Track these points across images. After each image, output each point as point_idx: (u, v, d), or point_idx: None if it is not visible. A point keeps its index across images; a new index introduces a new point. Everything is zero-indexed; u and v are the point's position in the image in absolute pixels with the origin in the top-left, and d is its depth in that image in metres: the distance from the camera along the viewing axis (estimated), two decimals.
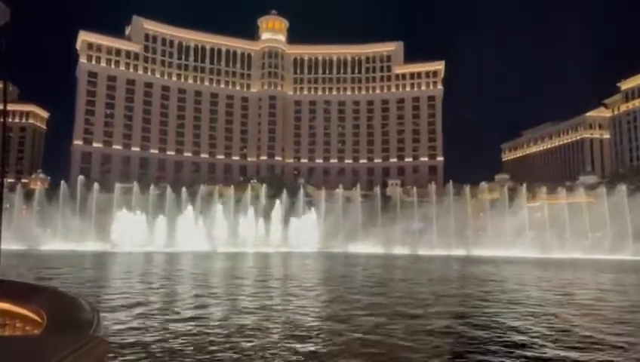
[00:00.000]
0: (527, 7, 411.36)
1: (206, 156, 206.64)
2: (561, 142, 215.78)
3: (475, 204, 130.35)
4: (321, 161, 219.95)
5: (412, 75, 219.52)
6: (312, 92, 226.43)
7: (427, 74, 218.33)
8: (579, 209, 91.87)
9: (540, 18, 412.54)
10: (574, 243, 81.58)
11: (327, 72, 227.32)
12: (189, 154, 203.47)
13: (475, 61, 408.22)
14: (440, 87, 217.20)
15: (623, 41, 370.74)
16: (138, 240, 75.95)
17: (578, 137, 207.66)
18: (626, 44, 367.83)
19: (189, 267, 40.20)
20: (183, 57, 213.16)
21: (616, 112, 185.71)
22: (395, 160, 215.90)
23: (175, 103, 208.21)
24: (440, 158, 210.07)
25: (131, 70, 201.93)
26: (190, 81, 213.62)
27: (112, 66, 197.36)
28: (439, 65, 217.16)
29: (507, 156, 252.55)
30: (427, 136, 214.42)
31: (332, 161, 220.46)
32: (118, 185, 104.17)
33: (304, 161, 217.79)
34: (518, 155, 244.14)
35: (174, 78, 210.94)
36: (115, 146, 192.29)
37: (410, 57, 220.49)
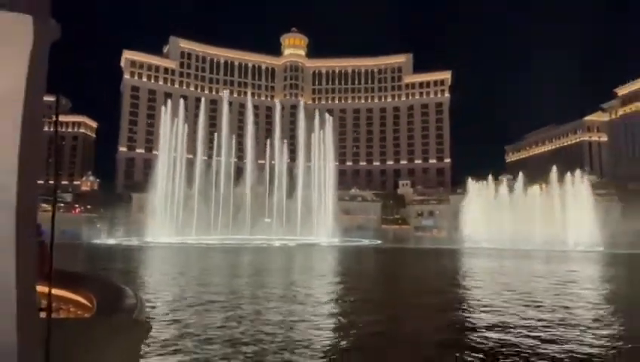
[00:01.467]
0: (526, 14, 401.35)
1: (235, 160, 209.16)
2: (562, 145, 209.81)
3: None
4: (337, 163, 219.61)
5: (421, 84, 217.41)
6: (330, 101, 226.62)
7: (435, 83, 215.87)
8: None
9: (539, 23, 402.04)
10: None
11: (342, 83, 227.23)
12: (220, 158, 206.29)
13: (479, 67, 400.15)
14: (447, 94, 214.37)
15: (620, 45, 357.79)
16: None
17: (577, 140, 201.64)
18: (623, 48, 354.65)
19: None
20: (215, 72, 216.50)
21: (613, 116, 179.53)
22: (405, 162, 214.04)
23: (207, 114, 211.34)
24: (447, 160, 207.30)
25: (169, 84, 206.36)
26: (221, 93, 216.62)
27: (152, 81, 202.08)
28: (446, 75, 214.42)
29: (511, 158, 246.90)
30: (435, 140, 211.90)
31: (347, 163, 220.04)
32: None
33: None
34: (521, 157, 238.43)
35: (207, 91, 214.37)
36: (155, 152, 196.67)
37: (419, 68, 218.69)
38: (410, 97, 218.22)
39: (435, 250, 62.37)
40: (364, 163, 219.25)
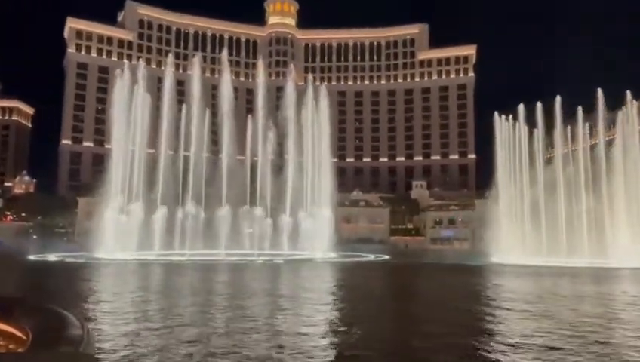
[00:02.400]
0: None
1: (207, 155, 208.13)
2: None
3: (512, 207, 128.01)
4: (335, 159, 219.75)
5: (439, 62, 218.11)
6: (325, 82, 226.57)
7: (457, 59, 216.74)
8: None
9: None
10: None
11: (342, 59, 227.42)
12: (188, 154, 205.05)
13: (511, 41, 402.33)
14: (471, 74, 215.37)
15: None
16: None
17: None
18: None
19: None
20: (182, 45, 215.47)
21: None
22: (420, 158, 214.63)
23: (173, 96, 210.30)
24: (472, 156, 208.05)
25: (125, 60, 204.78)
26: (189, 71, 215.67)
27: (104, 56, 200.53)
28: (471, 50, 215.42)
29: (550, 152, 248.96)
30: (457, 131, 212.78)
31: (348, 159, 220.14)
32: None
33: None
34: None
35: (171, 68, 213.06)
36: (107, 145, 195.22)
37: (436, 41, 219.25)
38: (426, 77, 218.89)
39: (458, 267, 62.21)
40: (369, 159, 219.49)
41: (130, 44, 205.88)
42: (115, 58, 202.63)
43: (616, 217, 73.87)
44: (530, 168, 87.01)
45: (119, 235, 79.41)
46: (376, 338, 16.05)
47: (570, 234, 76.18)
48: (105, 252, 72.93)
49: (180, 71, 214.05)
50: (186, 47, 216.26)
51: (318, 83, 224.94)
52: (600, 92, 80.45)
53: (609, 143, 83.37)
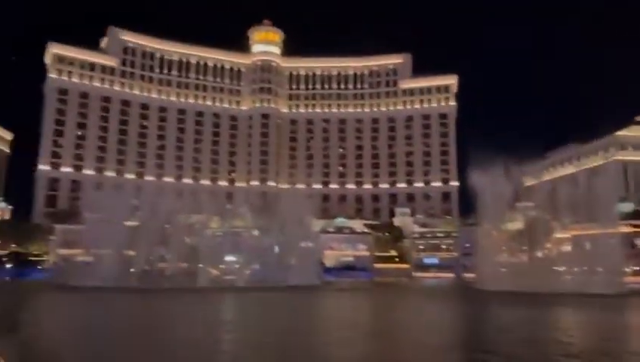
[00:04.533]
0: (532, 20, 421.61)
1: (189, 181, 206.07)
2: (590, 165, 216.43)
3: (498, 236, 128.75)
4: (319, 186, 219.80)
5: (421, 91, 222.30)
6: (310, 109, 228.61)
7: (438, 89, 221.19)
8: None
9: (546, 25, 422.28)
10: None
11: (326, 87, 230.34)
12: (171, 180, 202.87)
13: (490, 70, 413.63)
14: (453, 103, 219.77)
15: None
16: None
17: (610, 159, 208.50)
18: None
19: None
20: (165, 71, 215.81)
21: None
22: (403, 185, 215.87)
23: (155, 122, 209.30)
24: (454, 183, 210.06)
25: (107, 85, 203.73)
26: (173, 97, 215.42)
27: (86, 82, 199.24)
28: (451, 80, 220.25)
29: (529, 181, 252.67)
30: (439, 159, 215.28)
31: (332, 186, 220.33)
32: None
33: (301, 186, 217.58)
34: (542, 179, 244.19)
35: (155, 95, 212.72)
36: (85, 171, 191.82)
37: (418, 71, 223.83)
38: (409, 105, 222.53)
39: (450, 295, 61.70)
40: (353, 185, 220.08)
41: (112, 70, 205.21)
42: (97, 83, 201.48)
43: None
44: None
45: (95, 264, 76.83)
46: None
47: None
48: (75, 279, 69.85)
49: (163, 97, 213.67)
50: (169, 73, 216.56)
51: (302, 110, 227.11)
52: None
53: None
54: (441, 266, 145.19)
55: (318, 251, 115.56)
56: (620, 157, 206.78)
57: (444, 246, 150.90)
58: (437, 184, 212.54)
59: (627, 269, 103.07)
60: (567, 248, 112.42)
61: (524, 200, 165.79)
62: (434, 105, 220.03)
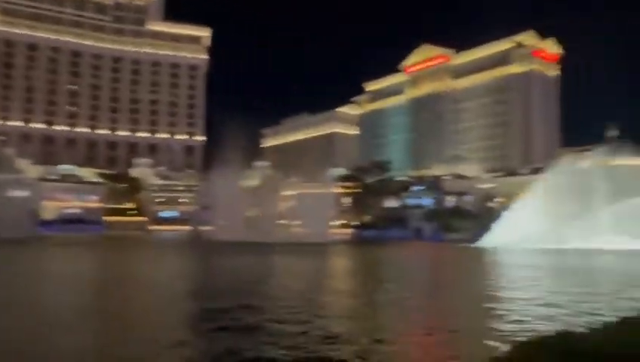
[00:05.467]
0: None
1: None
2: (316, 134, 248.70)
3: (235, 191, 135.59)
4: (41, 125, 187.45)
5: (172, 37, 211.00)
6: (33, 31, 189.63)
7: (190, 38, 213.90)
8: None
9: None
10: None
11: (56, 8, 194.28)
12: None
13: (250, 34, 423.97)
14: (205, 56, 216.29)
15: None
16: None
17: (330, 131, 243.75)
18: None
19: None
20: None
21: (362, 111, 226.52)
22: (146, 135, 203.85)
23: None
24: (200, 138, 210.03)
25: None
26: None
27: None
28: (205, 32, 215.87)
29: (268, 142, 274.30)
30: (186, 111, 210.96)
31: (58, 127, 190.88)
32: None
33: (15, 123, 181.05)
34: (278, 143, 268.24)
35: None
36: None
37: (171, 15, 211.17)
38: (157, 50, 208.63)
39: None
40: (87, 129, 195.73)
41: None
42: None
43: None
44: None
45: None
46: None
47: None
48: None
49: None
50: None
51: (23, 31, 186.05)
52: None
53: None
54: (180, 219, 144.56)
55: (33, 201, 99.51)
56: (338, 130, 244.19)
57: (184, 200, 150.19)
58: (182, 137, 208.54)
59: (336, 223, 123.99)
60: (293, 204, 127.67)
61: (262, 159, 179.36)
62: (184, 54, 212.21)
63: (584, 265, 40.62)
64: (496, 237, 72.07)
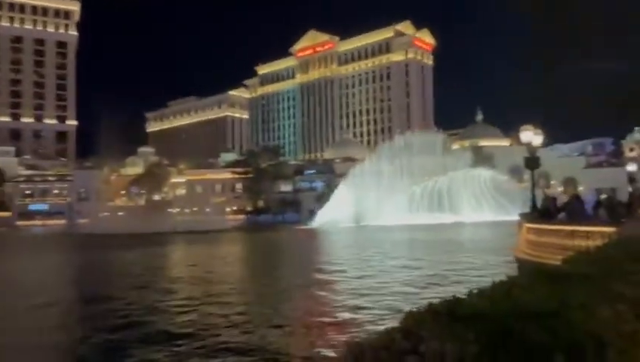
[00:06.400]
0: None
1: None
2: (206, 118, 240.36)
3: (117, 180, 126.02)
4: None
5: (34, 9, 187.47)
6: None
7: (57, 12, 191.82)
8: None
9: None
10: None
11: None
12: None
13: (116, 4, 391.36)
14: (74, 32, 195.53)
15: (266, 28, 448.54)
16: None
17: (221, 114, 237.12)
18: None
19: None
20: None
21: (254, 94, 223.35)
22: (6, 119, 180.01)
23: None
24: (72, 122, 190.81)
25: None
26: None
27: None
28: (73, 6, 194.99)
29: (153, 127, 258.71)
30: (55, 93, 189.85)
31: None
32: None
33: None
34: (164, 127, 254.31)
35: None
36: None
37: None
38: (17, 24, 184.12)
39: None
40: None
41: None
42: None
43: None
44: None
45: None
46: None
47: None
48: None
49: None
50: None
51: None
52: None
53: None
54: (52, 213, 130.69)
55: None
56: (230, 113, 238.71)
57: (56, 191, 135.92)
58: (51, 121, 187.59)
59: (228, 209, 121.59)
60: (182, 191, 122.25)
61: (146, 145, 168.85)
62: (51, 30, 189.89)
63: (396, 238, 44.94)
64: (323, 217, 78.73)
